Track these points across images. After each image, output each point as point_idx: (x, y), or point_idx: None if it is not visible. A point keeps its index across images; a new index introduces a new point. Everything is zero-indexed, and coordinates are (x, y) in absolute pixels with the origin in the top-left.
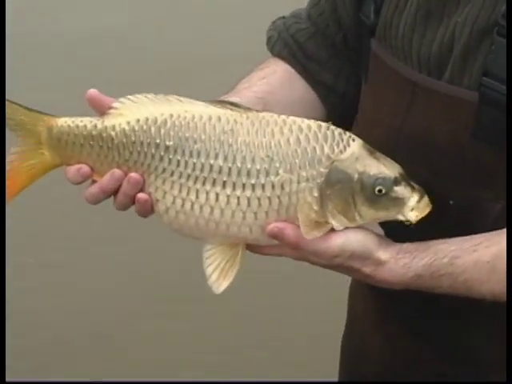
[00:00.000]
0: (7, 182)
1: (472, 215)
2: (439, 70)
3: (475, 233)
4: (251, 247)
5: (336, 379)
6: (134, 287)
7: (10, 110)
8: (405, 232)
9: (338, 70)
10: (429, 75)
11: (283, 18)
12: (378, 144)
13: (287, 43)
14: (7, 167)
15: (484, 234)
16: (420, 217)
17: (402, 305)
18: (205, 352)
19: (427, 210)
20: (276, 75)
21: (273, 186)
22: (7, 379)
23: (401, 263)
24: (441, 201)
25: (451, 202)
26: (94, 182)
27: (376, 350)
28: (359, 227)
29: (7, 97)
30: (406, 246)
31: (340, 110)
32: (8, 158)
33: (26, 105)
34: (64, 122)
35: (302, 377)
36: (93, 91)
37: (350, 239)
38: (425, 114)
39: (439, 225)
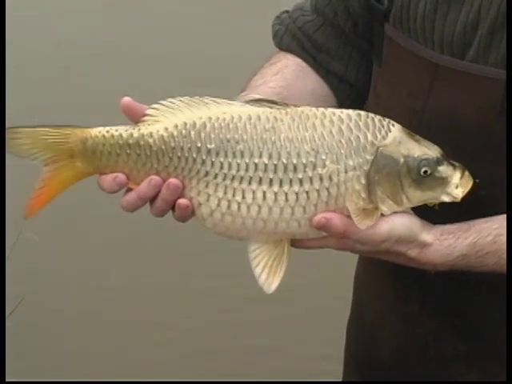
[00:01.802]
0: (37, 195)
1: (498, 193)
2: (463, 49)
3: (501, 211)
4: (295, 242)
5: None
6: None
7: (29, 138)
8: (431, 213)
9: (348, 59)
10: (451, 56)
11: (287, 11)
12: None
13: (295, 36)
14: (40, 184)
15: None
16: (465, 192)
17: (423, 286)
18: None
19: (470, 184)
20: (289, 69)
21: (321, 178)
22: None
23: (445, 244)
24: None
25: (477, 181)
26: (128, 189)
27: (390, 332)
28: (403, 212)
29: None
30: (448, 227)
31: (351, 100)
32: (41, 177)
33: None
34: (98, 132)
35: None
36: (127, 99)
37: (396, 224)
38: (448, 94)
39: (465, 204)
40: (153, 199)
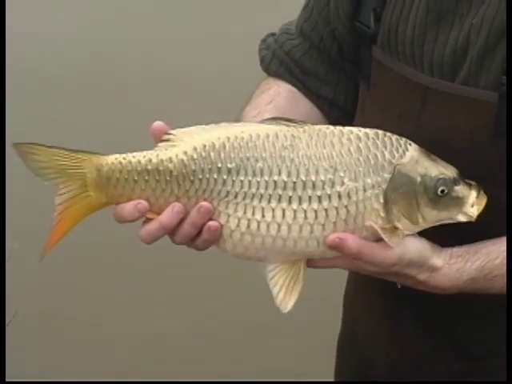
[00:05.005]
0: (50, 234)
1: (491, 215)
2: (453, 72)
3: (495, 234)
4: (307, 262)
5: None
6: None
7: (46, 156)
8: (423, 234)
9: (336, 82)
10: (441, 78)
11: (273, 34)
12: None
13: (283, 61)
14: (55, 220)
15: None
16: (480, 209)
17: (415, 305)
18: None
19: (484, 202)
20: (281, 96)
21: (339, 196)
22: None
23: (454, 268)
24: None
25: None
26: (146, 220)
27: (383, 350)
28: (413, 235)
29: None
30: (457, 250)
31: (341, 122)
32: (55, 212)
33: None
34: (114, 159)
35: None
36: (159, 123)
37: (408, 247)
38: (439, 116)
39: (458, 226)
40: (174, 228)
